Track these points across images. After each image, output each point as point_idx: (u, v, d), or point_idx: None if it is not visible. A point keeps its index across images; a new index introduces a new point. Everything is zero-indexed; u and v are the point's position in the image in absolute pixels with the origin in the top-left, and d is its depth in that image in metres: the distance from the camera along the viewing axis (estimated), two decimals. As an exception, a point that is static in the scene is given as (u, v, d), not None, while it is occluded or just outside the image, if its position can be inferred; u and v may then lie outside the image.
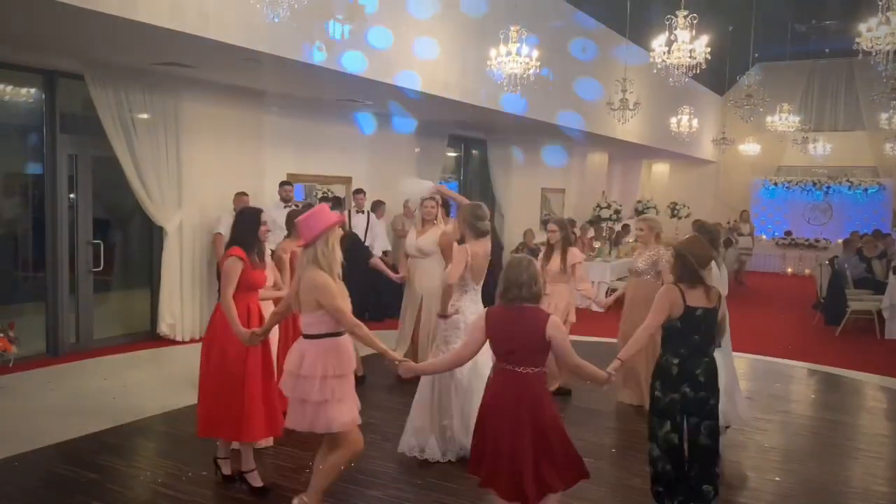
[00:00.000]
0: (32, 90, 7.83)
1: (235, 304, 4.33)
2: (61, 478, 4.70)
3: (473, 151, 14.81)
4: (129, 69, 7.59)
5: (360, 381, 6.95)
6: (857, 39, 7.36)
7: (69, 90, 7.78)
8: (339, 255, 3.88)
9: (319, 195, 10.26)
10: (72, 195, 7.95)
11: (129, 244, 9.14)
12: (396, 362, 3.90)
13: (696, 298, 4.03)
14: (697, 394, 4.03)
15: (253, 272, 4.48)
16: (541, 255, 6.97)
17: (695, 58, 8.10)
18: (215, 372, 4.45)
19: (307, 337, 3.87)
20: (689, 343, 4.04)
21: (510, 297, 3.53)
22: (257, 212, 4.64)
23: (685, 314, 4.01)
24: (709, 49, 8.14)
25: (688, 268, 4.07)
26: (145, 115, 7.96)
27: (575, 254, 6.69)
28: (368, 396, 6.62)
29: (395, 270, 7.63)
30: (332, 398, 3.79)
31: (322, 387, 3.76)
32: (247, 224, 4.54)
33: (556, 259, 6.66)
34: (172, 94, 8.19)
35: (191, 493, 4.44)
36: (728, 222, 18.50)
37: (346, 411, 3.86)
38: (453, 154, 14.45)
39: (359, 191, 10.20)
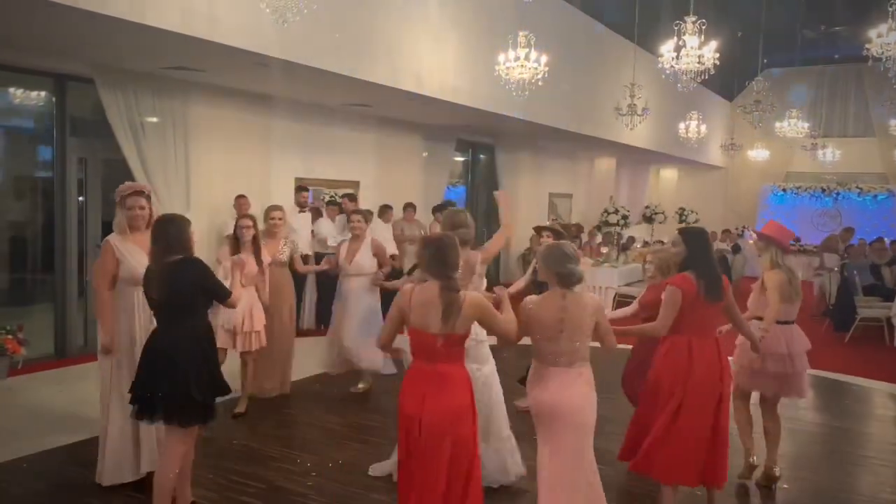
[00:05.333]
0: (42, 94, 7.88)
1: None
2: (69, 480, 4.71)
3: (481, 156, 14.81)
4: (139, 73, 7.62)
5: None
6: (867, 45, 7.35)
7: (79, 94, 7.83)
8: None
9: (327, 199, 10.31)
10: (81, 198, 8.00)
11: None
12: None
13: None
14: None
15: None
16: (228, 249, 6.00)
17: (703, 63, 8.08)
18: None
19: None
20: None
21: None
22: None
23: None
24: (717, 55, 8.12)
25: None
26: (154, 119, 8.00)
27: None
28: (371, 400, 6.65)
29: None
30: None
31: None
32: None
33: (250, 260, 5.86)
34: (181, 97, 8.22)
35: (197, 496, 4.43)
36: (736, 228, 18.43)
37: None
38: (461, 158, 14.46)
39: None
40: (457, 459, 3.44)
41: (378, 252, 6.68)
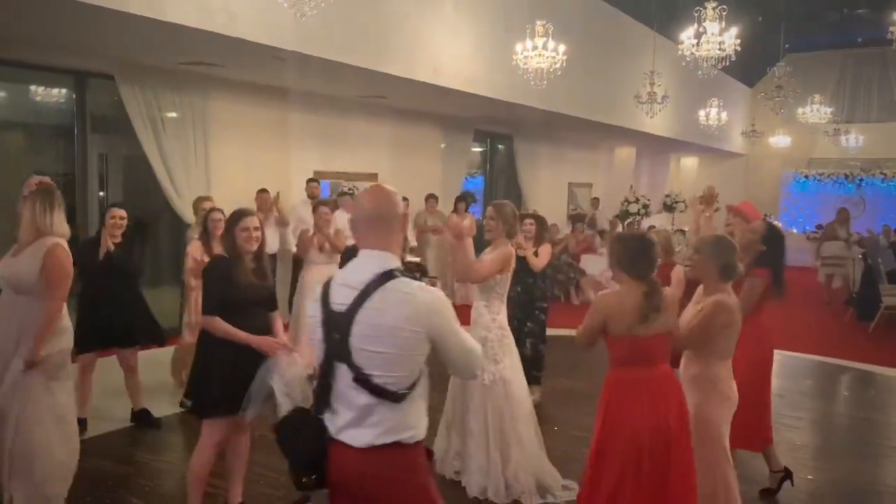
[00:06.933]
0: (63, 91, 7.96)
1: None
2: (94, 471, 4.75)
3: (499, 146, 14.75)
4: (158, 69, 7.67)
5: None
6: (892, 28, 7.22)
7: (99, 90, 7.90)
8: None
9: (344, 190, 10.31)
10: (102, 193, 8.08)
11: (159, 242, 9.24)
12: None
13: None
14: None
15: None
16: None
17: (724, 50, 7.97)
18: None
19: None
20: None
21: None
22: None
23: None
24: (738, 41, 8.01)
25: None
26: (174, 114, 8.05)
27: None
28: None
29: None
30: None
31: None
32: None
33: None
34: (200, 92, 8.26)
35: (220, 487, 4.47)
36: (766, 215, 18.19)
37: None
38: (479, 149, 14.42)
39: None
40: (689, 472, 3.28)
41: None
